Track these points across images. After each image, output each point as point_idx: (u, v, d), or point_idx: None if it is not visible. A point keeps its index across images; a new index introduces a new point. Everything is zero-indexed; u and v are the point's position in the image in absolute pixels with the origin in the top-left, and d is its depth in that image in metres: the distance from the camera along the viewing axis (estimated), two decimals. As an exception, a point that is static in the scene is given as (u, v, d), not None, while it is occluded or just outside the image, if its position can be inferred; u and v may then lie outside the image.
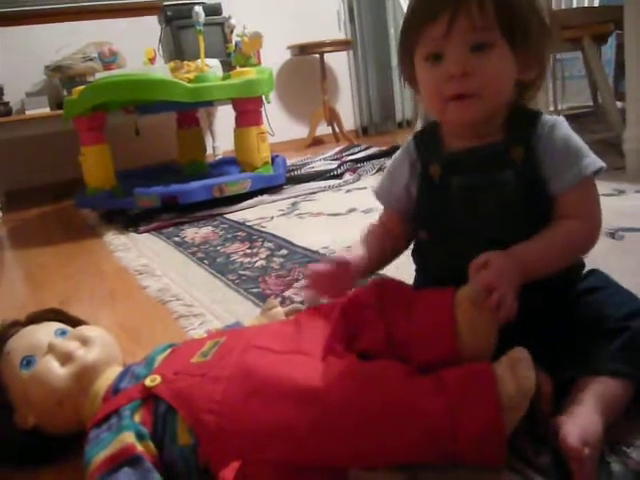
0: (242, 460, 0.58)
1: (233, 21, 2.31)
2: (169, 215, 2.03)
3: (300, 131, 3.98)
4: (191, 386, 0.65)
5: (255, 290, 1.23)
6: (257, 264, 1.42)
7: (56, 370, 0.72)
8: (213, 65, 2.18)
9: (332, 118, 3.89)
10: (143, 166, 3.01)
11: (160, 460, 0.62)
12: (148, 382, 0.67)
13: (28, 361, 0.73)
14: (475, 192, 0.70)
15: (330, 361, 0.63)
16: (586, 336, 0.65)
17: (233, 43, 2.32)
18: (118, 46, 3.09)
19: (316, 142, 3.99)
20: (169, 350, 0.76)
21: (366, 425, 0.56)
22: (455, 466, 0.57)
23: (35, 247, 2.09)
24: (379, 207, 0.84)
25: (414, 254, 0.81)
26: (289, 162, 2.93)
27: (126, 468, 0.59)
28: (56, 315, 0.84)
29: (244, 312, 1.11)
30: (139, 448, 0.61)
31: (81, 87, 2.01)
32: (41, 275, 1.69)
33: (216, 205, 2.10)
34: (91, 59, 2.88)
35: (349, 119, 4.20)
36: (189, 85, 1.95)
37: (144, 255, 1.68)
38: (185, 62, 2.16)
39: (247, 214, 2.02)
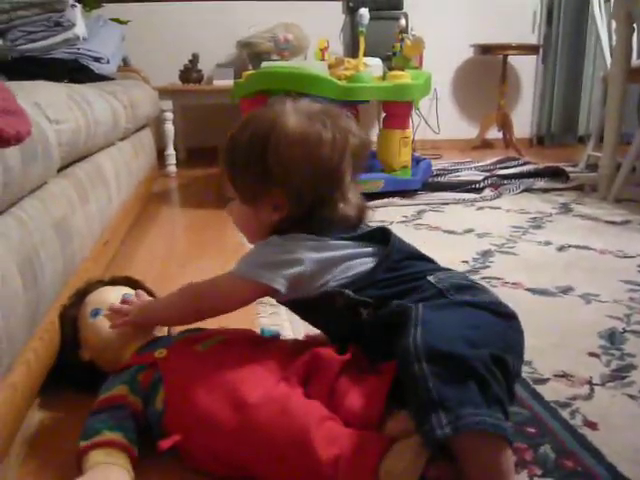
0: (183, 437, 0.71)
1: (402, 22, 2.35)
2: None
3: (469, 131, 3.90)
4: (180, 368, 0.79)
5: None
6: (349, 269, 1.49)
7: (107, 326, 0.91)
8: (373, 64, 2.24)
9: (504, 124, 3.74)
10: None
11: (143, 414, 0.78)
12: (157, 354, 0.83)
13: (96, 312, 0.93)
14: None
15: (279, 386, 0.72)
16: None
17: (399, 43, 2.36)
18: (306, 29, 3.28)
19: (485, 145, 3.88)
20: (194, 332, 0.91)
21: (271, 450, 0.66)
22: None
23: (186, 207, 2.40)
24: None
25: None
26: (441, 164, 2.93)
27: (111, 411, 0.76)
28: (131, 283, 1.03)
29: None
30: (129, 399, 0.78)
31: (249, 72, 2.21)
32: (174, 237, 1.95)
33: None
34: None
35: (525, 126, 4.02)
36: (340, 83, 2.04)
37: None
38: (346, 59, 2.26)
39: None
